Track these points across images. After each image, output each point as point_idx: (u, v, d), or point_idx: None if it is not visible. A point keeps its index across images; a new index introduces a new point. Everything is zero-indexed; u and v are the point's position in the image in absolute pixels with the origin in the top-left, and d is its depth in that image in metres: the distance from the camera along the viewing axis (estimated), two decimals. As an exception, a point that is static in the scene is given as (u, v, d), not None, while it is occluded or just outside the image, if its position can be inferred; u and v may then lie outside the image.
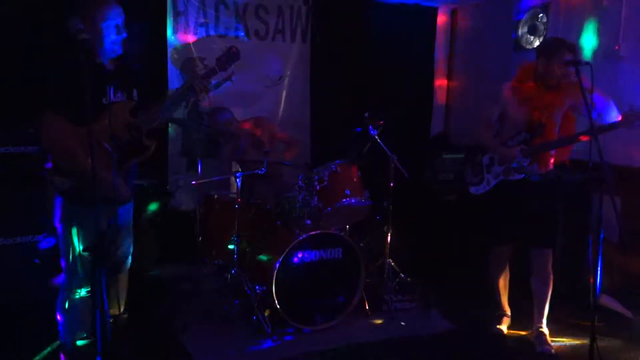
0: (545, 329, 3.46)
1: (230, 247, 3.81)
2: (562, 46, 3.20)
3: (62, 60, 2.51)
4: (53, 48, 2.76)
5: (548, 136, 3.26)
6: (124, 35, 2.63)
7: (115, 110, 2.58)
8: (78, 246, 2.64)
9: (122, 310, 3.05)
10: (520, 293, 3.67)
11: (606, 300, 3.86)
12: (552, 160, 3.31)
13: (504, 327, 3.64)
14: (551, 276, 3.40)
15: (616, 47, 4.16)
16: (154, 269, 4.36)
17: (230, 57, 2.86)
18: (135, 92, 2.73)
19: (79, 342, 2.73)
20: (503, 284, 3.66)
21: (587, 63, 2.79)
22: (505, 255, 3.60)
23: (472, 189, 3.54)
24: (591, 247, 2.88)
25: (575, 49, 3.32)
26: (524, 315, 3.65)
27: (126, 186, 2.73)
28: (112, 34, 2.58)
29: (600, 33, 4.32)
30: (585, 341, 2.87)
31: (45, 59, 2.69)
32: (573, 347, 3.45)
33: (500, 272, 3.63)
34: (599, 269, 2.67)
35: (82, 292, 2.71)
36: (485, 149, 3.49)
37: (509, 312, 3.71)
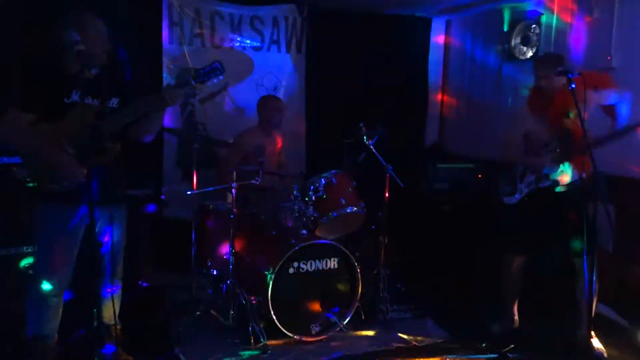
0: (592, 333, 3.44)
1: (226, 257, 3.80)
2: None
3: (34, 61, 2.71)
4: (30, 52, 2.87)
5: (578, 141, 3.27)
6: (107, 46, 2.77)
7: (78, 112, 2.66)
8: (51, 246, 2.76)
9: (116, 320, 3.05)
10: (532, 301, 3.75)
11: (602, 309, 3.86)
12: (588, 166, 3.33)
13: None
14: (596, 284, 3.37)
15: (608, 58, 4.20)
16: (149, 279, 4.34)
17: (211, 70, 2.84)
18: (115, 100, 2.81)
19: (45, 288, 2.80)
20: (514, 292, 3.70)
21: (580, 73, 2.82)
22: (521, 264, 3.63)
23: (506, 199, 3.56)
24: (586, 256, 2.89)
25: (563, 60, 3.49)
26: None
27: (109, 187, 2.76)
28: (98, 45, 2.71)
29: (592, 44, 4.36)
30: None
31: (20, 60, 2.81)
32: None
33: (516, 281, 3.68)
34: (594, 277, 2.68)
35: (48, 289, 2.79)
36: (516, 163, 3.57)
37: (516, 317, 3.74)
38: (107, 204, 2.80)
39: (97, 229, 2.76)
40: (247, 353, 3.38)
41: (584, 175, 3.28)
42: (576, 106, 2.75)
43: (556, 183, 3.37)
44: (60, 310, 2.89)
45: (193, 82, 2.81)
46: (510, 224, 3.63)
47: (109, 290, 2.94)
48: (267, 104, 4.52)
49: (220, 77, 2.86)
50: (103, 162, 2.68)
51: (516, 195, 3.51)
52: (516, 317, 3.74)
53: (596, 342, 3.40)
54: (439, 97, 6.29)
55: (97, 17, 2.75)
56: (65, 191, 2.65)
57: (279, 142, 4.63)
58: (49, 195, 2.69)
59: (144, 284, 4.25)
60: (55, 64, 2.71)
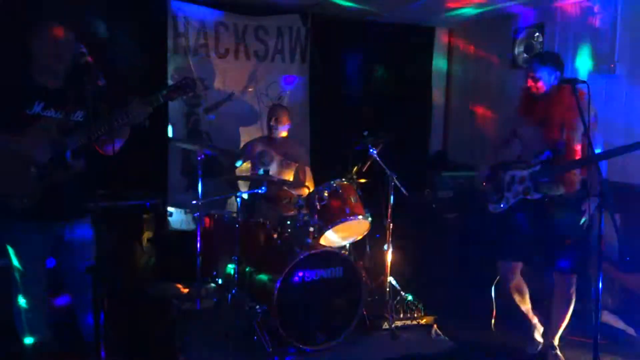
0: (556, 344, 3.43)
1: (231, 266, 3.80)
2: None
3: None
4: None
5: (571, 155, 3.16)
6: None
7: (40, 125, 2.61)
8: (17, 263, 2.71)
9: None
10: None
11: (608, 318, 3.84)
12: (577, 180, 3.21)
13: (538, 337, 3.59)
14: (573, 299, 3.34)
15: (611, 65, 4.20)
16: (154, 288, 4.35)
17: (179, 87, 2.81)
18: (79, 113, 2.73)
19: (27, 341, 2.78)
20: (521, 297, 3.56)
21: (584, 81, 2.81)
22: (517, 270, 3.51)
23: (491, 207, 3.47)
24: (592, 264, 2.88)
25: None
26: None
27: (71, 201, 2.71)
28: (62, 55, 2.64)
29: (596, 51, 4.36)
30: (588, 358, 2.85)
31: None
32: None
33: (518, 288, 3.55)
34: (600, 286, 2.67)
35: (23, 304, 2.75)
36: (507, 166, 3.42)
37: (535, 320, 3.62)
38: (69, 219, 2.77)
39: (63, 245, 2.78)
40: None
41: (588, 181, 3.20)
42: (581, 116, 2.72)
43: (545, 195, 3.24)
44: (42, 321, 2.83)
45: (161, 100, 2.77)
46: (499, 232, 3.51)
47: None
48: (271, 113, 4.54)
49: (191, 93, 2.84)
50: (63, 179, 2.64)
51: (502, 204, 3.39)
52: (533, 318, 3.63)
53: (559, 355, 3.39)
54: (443, 104, 6.30)
55: (61, 26, 2.66)
56: (25, 207, 2.60)
57: (294, 152, 4.60)
58: (9, 212, 2.62)
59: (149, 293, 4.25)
60: (18, 74, 2.66)
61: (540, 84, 3.19)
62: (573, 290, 3.33)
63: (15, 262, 2.73)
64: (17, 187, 2.58)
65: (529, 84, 3.24)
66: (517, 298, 3.59)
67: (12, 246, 2.72)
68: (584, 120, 2.69)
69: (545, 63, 3.19)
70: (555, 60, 3.23)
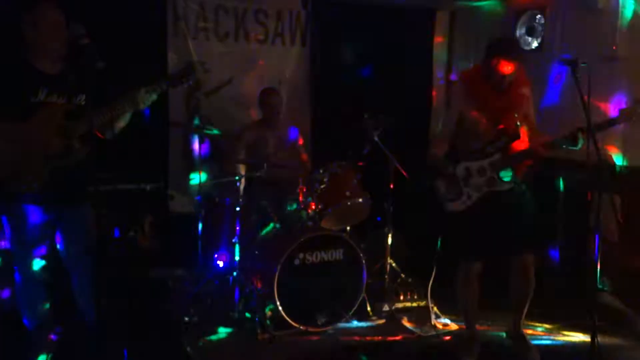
0: (524, 332, 3.32)
1: (232, 249, 3.82)
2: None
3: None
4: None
5: (525, 138, 3.03)
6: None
7: (46, 111, 2.61)
8: (19, 245, 2.74)
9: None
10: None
11: (606, 299, 3.87)
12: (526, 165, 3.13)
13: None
14: (533, 281, 3.17)
15: (614, 48, 4.18)
16: (155, 271, 4.37)
17: (183, 75, 2.88)
18: (81, 97, 2.73)
19: (29, 323, 2.84)
20: (474, 303, 3.31)
21: (584, 63, 2.79)
22: (479, 271, 3.24)
23: (450, 206, 3.18)
24: (591, 245, 2.88)
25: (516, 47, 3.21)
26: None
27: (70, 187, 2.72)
28: (56, 37, 2.63)
29: (598, 33, 4.33)
30: (586, 339, 2.88)
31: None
32: (574, 346, 3.46)
33: (474, 289, 3.27)
34: (598, 267, 2.68)
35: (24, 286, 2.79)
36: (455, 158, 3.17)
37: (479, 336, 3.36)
38: (70, 203, 2.79)
39: (64, 229, 2.81)
40: (253, 344, 3.41)
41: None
42: (580, 98, 2.70)
43: (511, 184, 3.07)
44: (43, 305, 2.85)
45: (165, 88, 2.82)
46: (465, 230, 3.20)
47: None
48: (266, 97, 4.52)
49: (192, 80, 2.90)
50: (71, 164, 2.65)
51: (463, 200, 3.11)
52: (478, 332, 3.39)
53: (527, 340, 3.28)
54: (444, 88, 6.26)
55: (55, 8, 2.63)
56: (32, 192, 2.61)
57: (293, 135, 4.59)
58: (11, 196, 2.64)
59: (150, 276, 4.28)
60: (18, 62, 2.65)
61: (505, 74, 2.98)
62: (533, 271, 3.17)
63: (17, 243, 2.75)
64: (27, 173, 2.59)
65: (489, 73, 3.03)
66: (473, 305, 3.32)
67: (14, 228, 2.74)
68: (584, 102, 2.67)
69: (517, 53, 3.07)
70: (519, 49, 3.19)
